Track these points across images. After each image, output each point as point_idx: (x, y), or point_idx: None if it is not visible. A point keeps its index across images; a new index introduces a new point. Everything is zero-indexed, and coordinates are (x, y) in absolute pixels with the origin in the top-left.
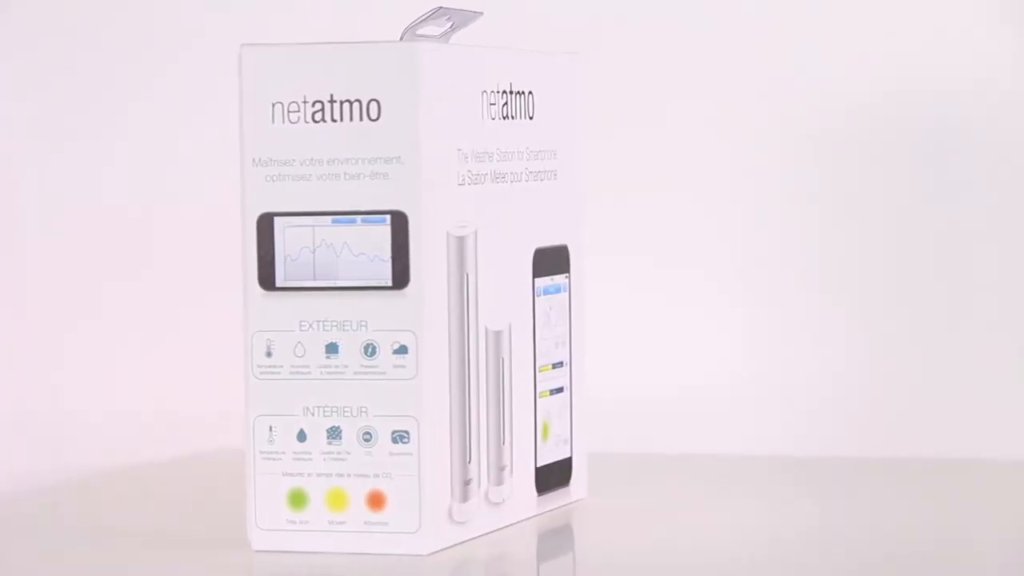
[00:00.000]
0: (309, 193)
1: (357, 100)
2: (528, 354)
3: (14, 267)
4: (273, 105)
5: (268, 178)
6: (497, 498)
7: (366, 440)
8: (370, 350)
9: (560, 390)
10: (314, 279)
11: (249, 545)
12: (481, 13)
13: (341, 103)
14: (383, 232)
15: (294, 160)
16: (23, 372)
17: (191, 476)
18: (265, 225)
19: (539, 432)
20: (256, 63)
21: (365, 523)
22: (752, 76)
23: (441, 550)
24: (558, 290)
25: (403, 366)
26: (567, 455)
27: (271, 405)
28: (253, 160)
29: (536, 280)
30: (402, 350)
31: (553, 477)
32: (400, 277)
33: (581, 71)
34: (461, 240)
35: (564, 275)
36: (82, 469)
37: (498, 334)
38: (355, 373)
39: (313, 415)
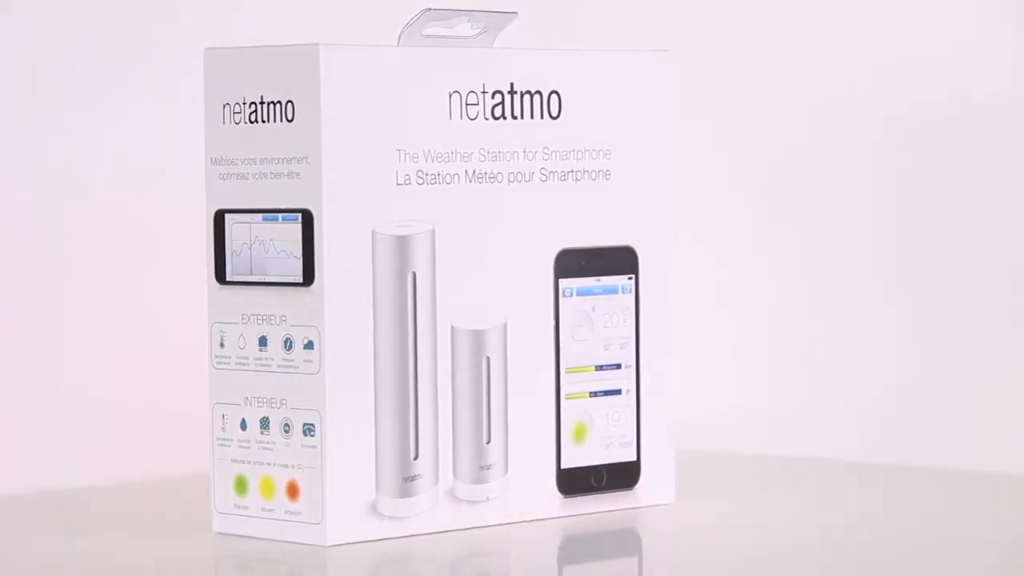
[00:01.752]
0: (247, 191)
1: (278, 102)
2: (546, 354)
3: None
4: (224, 106)
5: (221, 176)
6: (476, 496)
7: (286, 432)
8: (288, 344)
9: (616, 392)
10: (251, 274)
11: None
12: (516, 14)
13: (268, 104)
14: (297, 230)
15: (237, 159)
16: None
17: (171, 462)
18: (218, 221)
19: (566, 433)
20: (213, 65)
21: (286, 512)
22: (753, 81)
23: (355, 543)
24: (613, 291)
25: (311, 361)
26: (630, 458)
27: (224, 394)
28: (211, 159)
29: (562, 280)
30: (309, 345)
31: (596, 480)
32: (308, 274)
33: (664, 69)
34: (400, 239)
35: (626, 276)
36: (59, 463)
37: (478, 333)
38: (278, 366)
39: (251, 405)
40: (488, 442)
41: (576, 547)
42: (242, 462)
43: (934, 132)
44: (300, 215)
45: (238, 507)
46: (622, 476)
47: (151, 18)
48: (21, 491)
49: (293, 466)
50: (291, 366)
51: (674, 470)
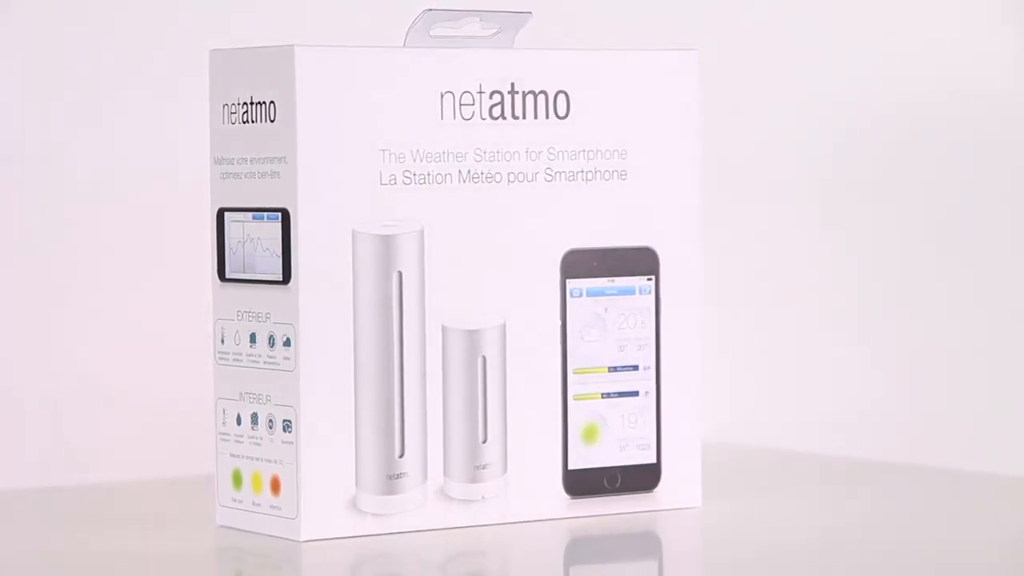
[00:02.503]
0: (241, 190)
1: (263, 102)
2: (551, 355)
3: None
4: (223, 106)
5: (221, 175)
6: (470, 496)
7: (270, 427)
8: (271, 341)
9: (632, 394)
10: (243, 271)
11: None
12: (530, 13)
13: (256, 105)
14: (278, 229)
15: (233, 159)
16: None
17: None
18: (220, 219)
19: (573, 434)
20: (214, 66)
21: (270, 506)
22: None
23: (333, 538)
24: (629, 292)
25: (289, 358)
26: (648, 461)
27: (224, 389)
28: (214, 158)
29: (569, 281)
30: (288, 343)
31: (610, 481)
32: (286, 272)
33: (687, 68)
34: (380, 239)
35: (645, 277)
36: (70, 458)
37: (471, 333)
38: (264, 363)
39: (244, 400)
40: (484, 441)
41: (575, 547)
42: (238, 456)
43: (935, 132)
44: (280, 214)
45: (235, 500)
46: (640, 478)
47: (165, 19)
48: (31, 486)
49: (275, 461)
50: (274, 363)
51: (701, 473)
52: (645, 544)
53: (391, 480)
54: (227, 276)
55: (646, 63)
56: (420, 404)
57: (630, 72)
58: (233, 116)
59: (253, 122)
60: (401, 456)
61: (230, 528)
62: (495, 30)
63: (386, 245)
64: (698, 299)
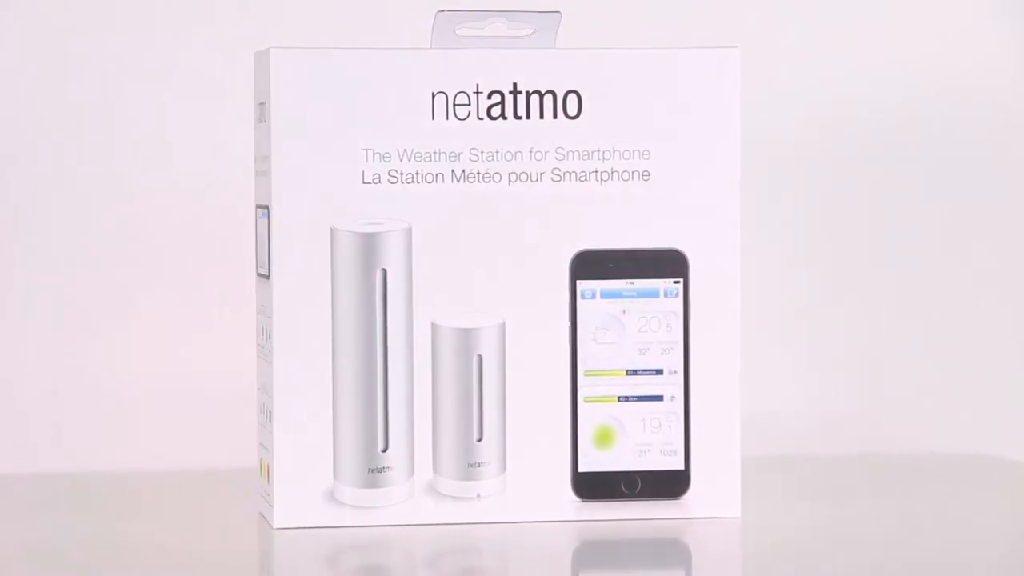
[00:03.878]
0: (259, 188)
1: (263, 103)
2: (558, 356)
3: (26, 259)
4: (257, 106)
5: (256, 173)
6: (464, 493)
7: (266, 418)
8: (266, 334)
9: (656, 398)
10: (260, 267)
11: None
12: (559, 13)
13: (260, 105)
14: (267, 225)
15: (259, 157)
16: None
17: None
18: (255, 216)
19: (585, 436)
20: (256, 69)
21: (266, 493)
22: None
23: (311, 528)
24: (652, 294)
25: (270, 350)
26: (674, 467)
27: (260, 379)
28: (256, 156)
29: (580, 282)
30: (270, 336)
31: (628, 486)
32: (269, 267)
33: (730, 67)
34: (359, 236)
35: (671, 279)
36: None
37: (468, 332)
38: (265, 355)
39: (262, 391)
40: (479, 440)
41: (580, 548)
42: (261, 445)
43: (939, 130)
44: (266, 211)
45: (262, 488)
46: (664, 484)
47: (205, 18)
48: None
49: (267, 450)
50: (265, 355)
51: (739, 482)
52: (657, 548)
53: (373, 473)
54: (258, 271)
55: (683, 62)
56: (406, 400)
57: (656, 71)
58: (258, 116)
59: (261, 122)
60: (385, 450)
61: (262, 516)
62: (531, 31)
63: (365, 242)
64: (736, 302)
